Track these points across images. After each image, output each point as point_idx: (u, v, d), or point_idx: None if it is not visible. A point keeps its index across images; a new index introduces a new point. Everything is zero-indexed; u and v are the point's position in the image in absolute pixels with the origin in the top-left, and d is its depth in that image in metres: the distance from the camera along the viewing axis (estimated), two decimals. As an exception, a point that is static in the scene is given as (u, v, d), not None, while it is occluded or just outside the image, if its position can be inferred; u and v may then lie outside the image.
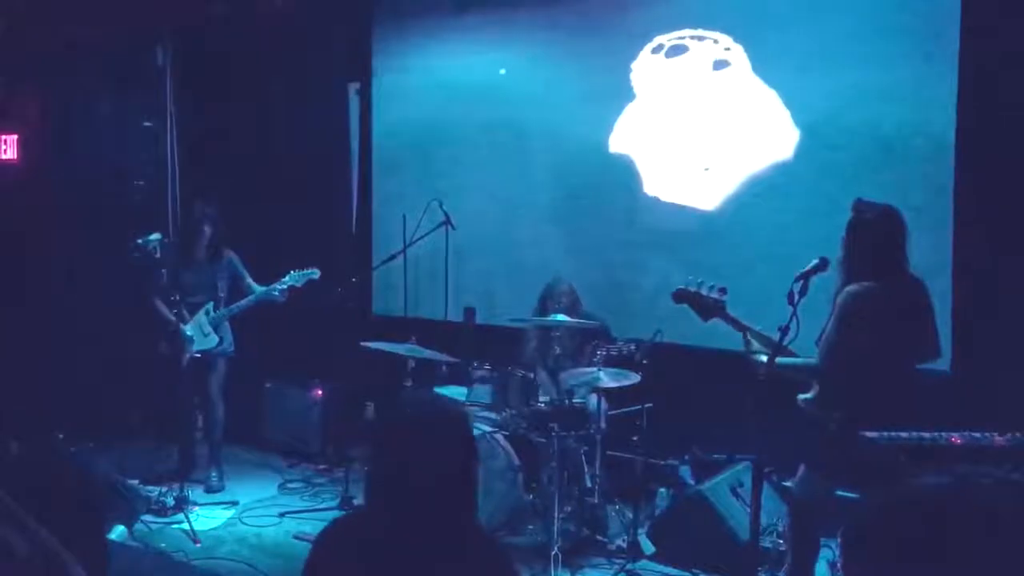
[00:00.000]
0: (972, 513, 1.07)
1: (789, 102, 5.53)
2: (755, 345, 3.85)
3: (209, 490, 5.95)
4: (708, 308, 3.95)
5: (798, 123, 5.50)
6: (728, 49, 5.74)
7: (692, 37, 5.86)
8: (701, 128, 5.86)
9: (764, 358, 3.59)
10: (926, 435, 3.37)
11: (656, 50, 5.98)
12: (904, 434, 3.47)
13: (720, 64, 5.76)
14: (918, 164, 5.13)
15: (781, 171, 5.56)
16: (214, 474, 6.06)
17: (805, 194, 5.46)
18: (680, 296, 4.01)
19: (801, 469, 3.93)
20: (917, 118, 5.12)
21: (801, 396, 3.88)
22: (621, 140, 6.12)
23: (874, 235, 3.72)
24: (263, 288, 5.87)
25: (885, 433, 3.19)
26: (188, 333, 5.82)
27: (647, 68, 6.01)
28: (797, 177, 5.51)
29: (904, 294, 3.72)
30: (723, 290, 3.98)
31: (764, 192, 5.61)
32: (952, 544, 1.05)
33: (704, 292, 3.97)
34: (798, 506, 3.97)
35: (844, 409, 3.63)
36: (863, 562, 1.11)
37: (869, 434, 3.19)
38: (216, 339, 5.93)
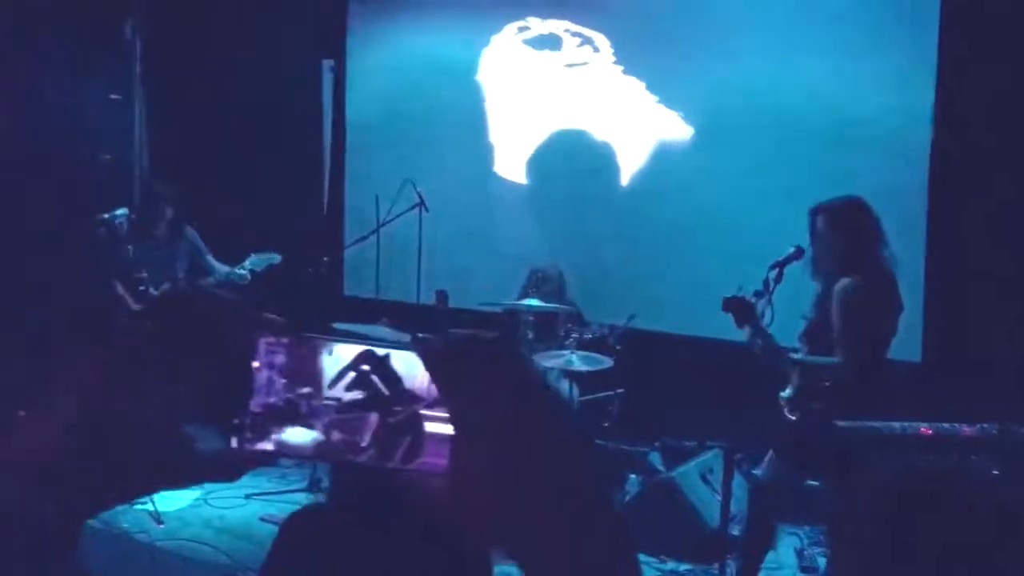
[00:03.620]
0: (967, 500, 1.06)
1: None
2: (777, 348, 3.77)
3: (174, 471, 5.88)
4: (746, 314, 3.85)
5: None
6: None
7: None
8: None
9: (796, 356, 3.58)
10: (896, 425, 3.39)
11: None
12: (876, 424, 3.48)
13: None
14: (891, 154, 5.14)
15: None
16: (179, 455, 5.99)
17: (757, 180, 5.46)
18: (727, 305, 3.87)
19: (769, 454, 3.93)
20: (890, 105, 5.14)
21: (782, 394, 3.88)
22: (598, 122, 6.09)
23: (849, 230, 3.70)
24: (225, 270, 5.78)
25: (857, 423, 3.20)
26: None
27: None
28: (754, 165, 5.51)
29: (892, 285, 3.72)
30: (759, 294, 3.80)
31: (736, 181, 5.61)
32: (942, 529, 1.05)
33: (746, 298, 3.84)
34: (760, 490, 3.96)
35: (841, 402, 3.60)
36: (853, 547, 1.09)
37: (842, 423, 3.19)
38: (172, 319, 5.84)
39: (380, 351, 0.77)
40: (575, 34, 6.11)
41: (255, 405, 0.77)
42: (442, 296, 6.51)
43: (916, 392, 4.47)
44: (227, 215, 6.37)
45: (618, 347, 4.99)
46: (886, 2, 5.20)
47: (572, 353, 4.94)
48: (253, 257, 5.74)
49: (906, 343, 4.95)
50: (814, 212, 3.73)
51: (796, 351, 3.88)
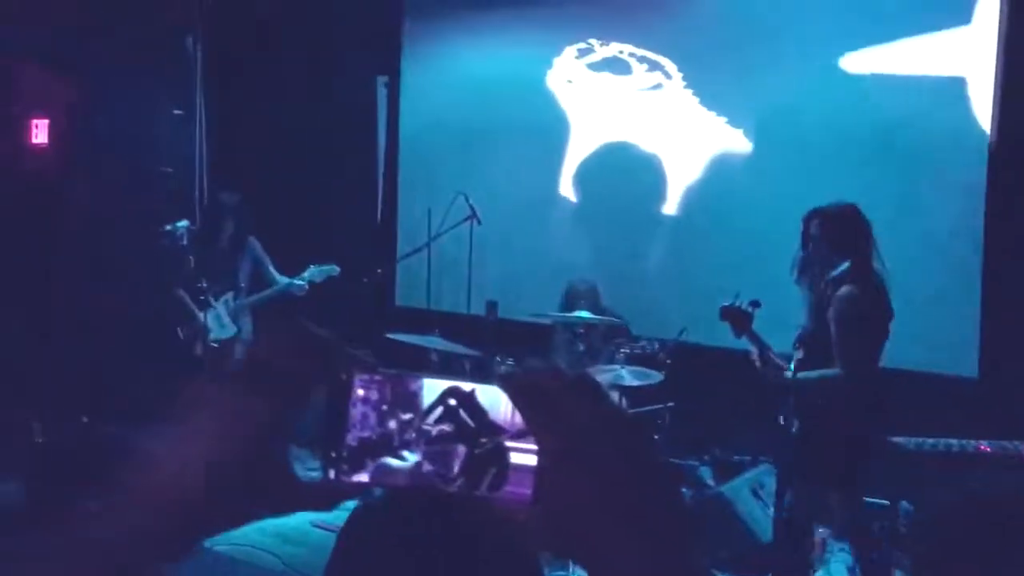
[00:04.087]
0: None
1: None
2: (775, 362, 3.83)
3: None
4: (742, 324, 3.90)
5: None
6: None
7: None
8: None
9: (789, 374, 3.60)
10: (954, 442, 3.35)
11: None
12: (931, 441, 3.44)
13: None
14: (947, 166, 5.08)
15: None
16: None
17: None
18: (724, 313, 3.93)
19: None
20: (947, 117, 5.08)
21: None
22: (649, 136, 6.10)
23: (843, 235, 3.71)
24: (285, 281, 5.87)
25: (912, 439, 3.17)
26: (205, 322, 5.85)
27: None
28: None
29: (884, 294, 3.72)
30: (756, 303, 3.90)
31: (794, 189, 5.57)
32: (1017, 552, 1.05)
33: (743, 307, 3.92)
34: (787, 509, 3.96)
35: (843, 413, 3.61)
36: (936, 566, 1.10)
37: (897, 439, 3.16)
38: (234, 329, 5.94)
39: (466, 386, 0.84)
40: (641, 59, 6.13)
41: (350, 439, 0.84)
42: (492, 307, 6.57)
43: (973, 408, 4.41)
44: (283, 227, 6.51)
45: (668, 361, 4.98)
46: (942, 8, 5.14)
47: (622, 367, 4.95)
48: (312, 268, 5.84)
49: (963, 358, 4.90)
50: (809, 217, 3.75)
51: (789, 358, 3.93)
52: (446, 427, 0.84)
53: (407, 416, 0.84)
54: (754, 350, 3.86)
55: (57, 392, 6.13)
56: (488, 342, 5.98)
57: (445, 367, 5.77)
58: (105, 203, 6.93)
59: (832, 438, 3.59)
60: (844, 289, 3.63)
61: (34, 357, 6.20)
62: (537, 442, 0.76)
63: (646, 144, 6.12)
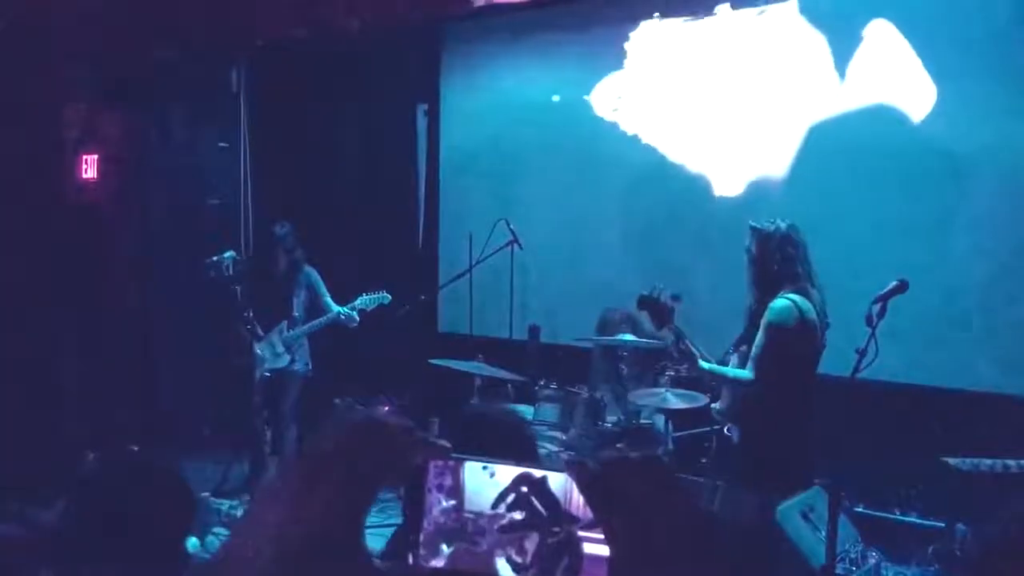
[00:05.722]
0: None
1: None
2: (690, 350, 3.88)
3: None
4: (662, 316, 3.94)
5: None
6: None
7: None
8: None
9: (705, 364, 3.78)
10: (1012, 463, 3.29)
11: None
12: (988, 461, 3.38)
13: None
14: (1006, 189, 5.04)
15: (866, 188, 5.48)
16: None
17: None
18: (642, 302, 4.00)
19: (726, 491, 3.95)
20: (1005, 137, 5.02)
21: (713, 406, 4.07)
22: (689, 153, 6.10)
23: (782, 251, 3.81)
24: (336, 310, 5.92)
25: (968, 460, 3.12)
26: (259, 352, 5.92)
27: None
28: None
29: (815, 305, 3.75)
30: (676, 297, 3.96)
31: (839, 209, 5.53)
32: None
33: (661, 298, 3.96)
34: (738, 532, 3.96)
35: (763, 418, 3.66)
36: None
37: (952, 461, 3.12)
38: (288, 358, 5.98)
39: (537, 473, 0.85)
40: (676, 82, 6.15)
41: (427, 523, 0.86)
42: (534, 332, 6.58)
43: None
44: (326, 256, 6.58)
45: (713, 383, 4.95)
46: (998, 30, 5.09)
47: (667, 390, 4.93)
48: (364, 297, 5.89)
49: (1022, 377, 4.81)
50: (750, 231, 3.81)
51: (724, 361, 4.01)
52: (518, 515, 0.84)
53: (480, 503, 0.85)
54: (672, 340, 3.92)
55: (110, 422, 6.24)
56: (531, 367, 5.99)
57: (489, 392, 5.79)
58: (153, 235, 7.08)
59: (762, 443, 3.67)
60: (778, 300, 3.70)
61: (87, 388, 6.32)
62: (605, 532, 0.77)
63: (690, 165, 6.11)
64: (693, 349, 3.91)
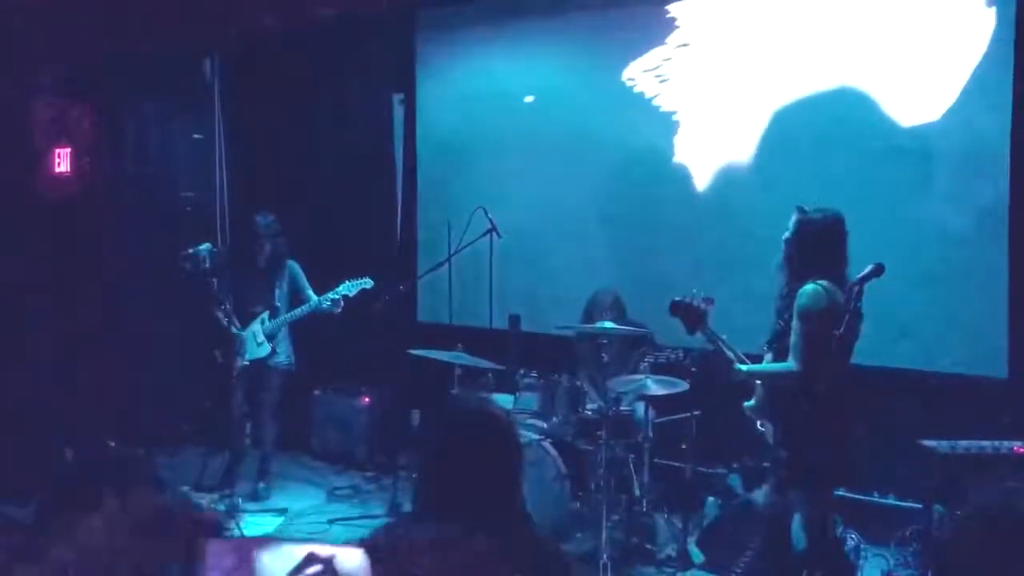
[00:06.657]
0: None
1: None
2: (729, 355, 3.83)
3: (255, 499, 5.98)
4: (695, 320, 3.89)
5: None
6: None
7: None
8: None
9: (743, 367, 3.61)
10: (986, 444, 3.32)
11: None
12: (964, 443, 3.41)
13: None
14: (970, 168, 5.06)
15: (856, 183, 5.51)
16: (261, 484, 6.08)
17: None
18: (674, 307, 3.93)
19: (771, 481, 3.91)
20: (968, 118, 5.06)
21: (746, 403, 3.91)
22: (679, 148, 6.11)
23: (820, 236, 3.71)
24: (317, 299, 5.87)
25: (945, 442, 3.14)
26: (240, 340, 5.86)
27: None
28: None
29: (847, 293, 3.70)
30: (709, 300, 3.91)
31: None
32: None
33: (694, 303, 3.91)
34: (767, 519, 3.94)
35: (808, 410, 3.56)
36: (968, 569, 1.09)
37: (928, 443, 3.14)
38: (268, 348, 5.92)
39: (324, 551, 0.82)
40: (656, 75, 6.15)
41: None
42: (515, 321, 6.57)
43: (1003, 409, 4.36)
44: (303, 247, 6.53)
45: (694, 369, 4.97)
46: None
47: (647, 377, 4.94)
48: (346, 283, 5.82)
49: (992, 359, 4.86)
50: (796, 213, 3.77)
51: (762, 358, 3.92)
52: None
53: None
54: (709, 348, 3.87)
55: (88, 418, 6.18)
56: (512, 356, 5.99)
57: (470, 381, 5.78)
58: (128, 228, 7.00)
59: (807, 438, 3.56)
60: (808, 285, 3.64)
61: (64, 383, 6.26)
62: None
63: (668, 153, 6.11)
64: (729, 353, 3.83)
